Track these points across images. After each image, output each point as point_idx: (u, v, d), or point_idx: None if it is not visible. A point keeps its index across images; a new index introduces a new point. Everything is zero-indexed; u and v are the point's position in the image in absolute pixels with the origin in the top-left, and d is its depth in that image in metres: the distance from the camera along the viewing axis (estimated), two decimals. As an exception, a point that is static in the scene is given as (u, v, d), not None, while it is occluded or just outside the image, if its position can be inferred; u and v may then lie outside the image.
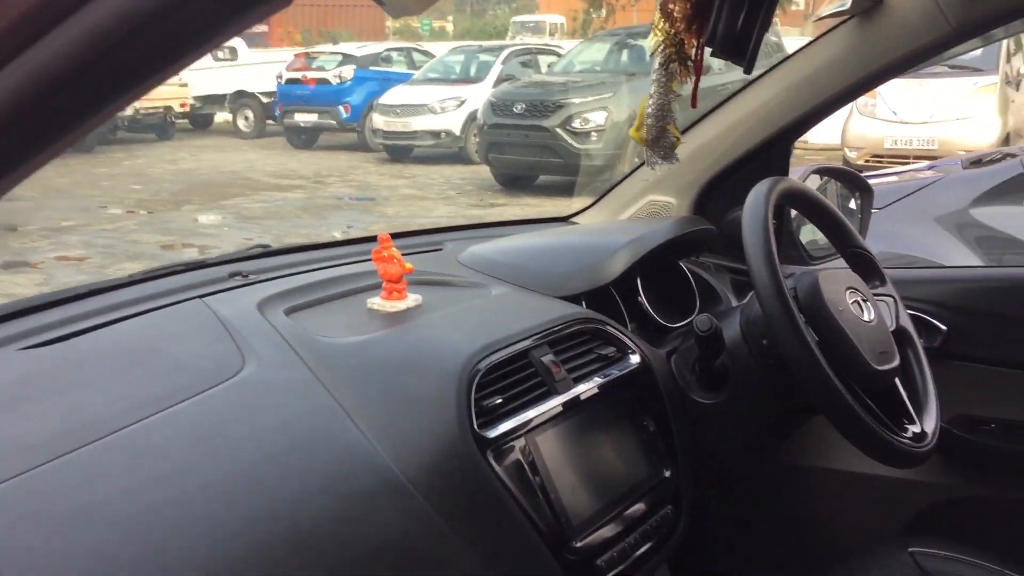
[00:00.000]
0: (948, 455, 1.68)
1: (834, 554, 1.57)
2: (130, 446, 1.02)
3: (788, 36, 13.68)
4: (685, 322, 1.61)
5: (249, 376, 1.16)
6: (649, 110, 1.50)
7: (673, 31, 1.35)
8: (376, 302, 1.40)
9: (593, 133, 10.14)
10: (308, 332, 1.28)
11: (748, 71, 1.34)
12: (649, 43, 1.42)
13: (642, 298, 1.61)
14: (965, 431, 1.67)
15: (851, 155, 9.67)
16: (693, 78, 1.41)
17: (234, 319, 1.30)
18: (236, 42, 19.01)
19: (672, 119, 1.51)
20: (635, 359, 1.42)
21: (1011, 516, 1.70)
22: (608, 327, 1.44)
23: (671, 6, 1.32)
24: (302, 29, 27.87)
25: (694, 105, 1.45)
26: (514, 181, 10.99)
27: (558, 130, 10.19)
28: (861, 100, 9.42)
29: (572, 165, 10.00)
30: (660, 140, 1.54)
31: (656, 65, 1.44)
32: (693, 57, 1.39)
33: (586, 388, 1.32)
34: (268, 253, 1.68)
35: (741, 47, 1.29)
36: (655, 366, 1.45)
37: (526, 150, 10.50)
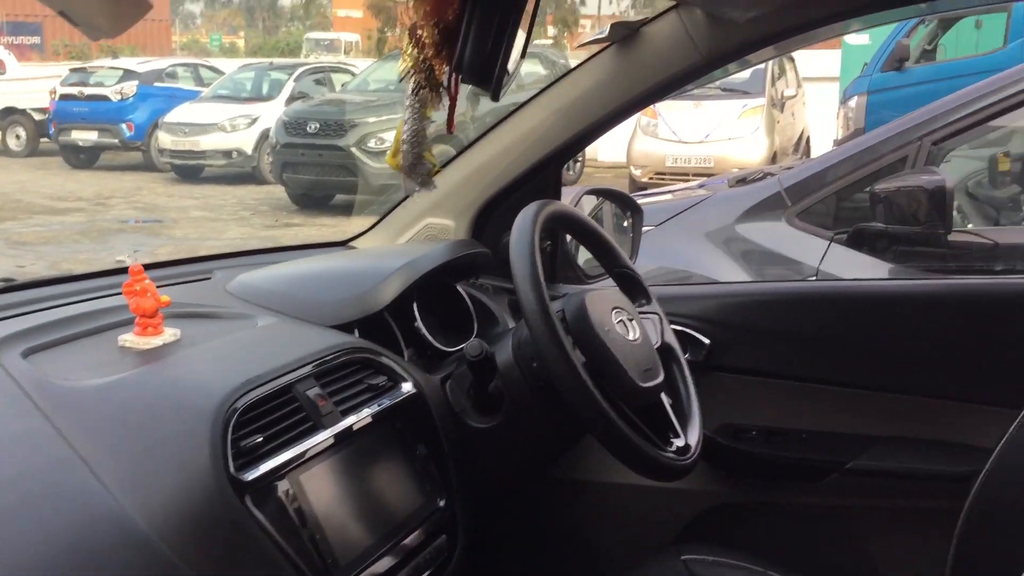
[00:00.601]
0: (715, 463, 1.76)
1: (612, 566, 1.60)
2: None
3: (577, 60, 14.16)
4: (462, 346, 1.60)
5: None
6: (404, 136, 1.48)
7: (422, 57, 1.34)
8: (128, 339, 1.30)
9: (389, 153, 10.10)
10: (46, 375, 1.17)
11: (495, 98, 1.35)
12: (399, 69, 1.40)
13: (419, 323, 1.59)
14: (729, 439, 1.76)
15: (636, 173, 10.16)
16: (448, 104, 1.40)
17: None
18: (4, 55, 17.70)
19: (428, 145, 1.50)
20: (407, 387, 1.40)
21: (773, 518, 1.80)
22: (380, 356, 1.41)
23: (420, 32, 1.31)
24: (79, 42, 26.26)
25: (450, 131, 1.45)
26: (310, 201, 10.80)
27: (353, 150, 10.12)
28: (644, 120, 9.92)
29: (369, 185, 9.95)
30: (416, 167, 1.53)
31: (408, 91, 1.43)
32: (445, 83, 1.39)
33: (355, 420, 1.28)
34: (10, 288, 1.54)
35: (488, 74, 1.30)
36: (428, 393, 1.43)
37: (321, 169, 10.38)
